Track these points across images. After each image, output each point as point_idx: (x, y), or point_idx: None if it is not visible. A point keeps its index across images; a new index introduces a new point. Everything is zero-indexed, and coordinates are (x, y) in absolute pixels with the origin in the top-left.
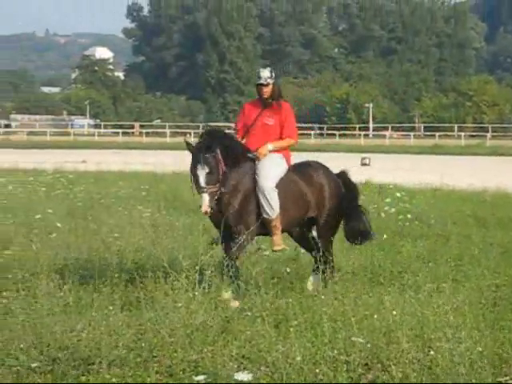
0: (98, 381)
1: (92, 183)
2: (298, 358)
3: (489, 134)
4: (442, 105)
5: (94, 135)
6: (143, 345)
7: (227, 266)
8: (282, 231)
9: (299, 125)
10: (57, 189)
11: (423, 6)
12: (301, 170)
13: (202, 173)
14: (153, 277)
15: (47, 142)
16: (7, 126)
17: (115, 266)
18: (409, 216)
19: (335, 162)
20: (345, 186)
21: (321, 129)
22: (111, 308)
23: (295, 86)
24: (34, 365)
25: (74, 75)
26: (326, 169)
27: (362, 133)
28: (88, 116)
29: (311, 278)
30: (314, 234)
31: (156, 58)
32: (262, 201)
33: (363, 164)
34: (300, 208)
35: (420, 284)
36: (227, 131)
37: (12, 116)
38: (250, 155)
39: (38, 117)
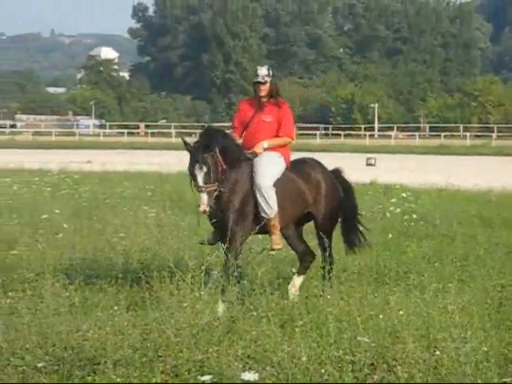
0: (104, 381)
1: (97, 183)
2: (304, 358)
3: (494, 134)
4: (447, 105)
5: (99, 135)
6: (149, 345)
7: (229, 267)
8: (280, 230)
9: (304, 125)
10: (62, 189)
11: (428, 6)
12: (297, 168)
13: (200, 172)
14: (158, 277)
15: (52, 143)
16: (13, 126)
17: (121, 266)
18: (414, 216)
19: (340, 163)
20: (339, 183)
21: (326, 129)
22: (117, 308)
23: (300, 86)
24: (39, 365)
25: (79, 75)
26: (321, 166)
27: (368, 133)
28: (93, 116)
29: (295, 279)
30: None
31: (161, 58)
32: (260, 200)
33: (368, 164)
34: (298, 206)
35: (425, 284)
36: (226, 131)
37: (17, 116)
38: (247, 155)
39: (43, 117)
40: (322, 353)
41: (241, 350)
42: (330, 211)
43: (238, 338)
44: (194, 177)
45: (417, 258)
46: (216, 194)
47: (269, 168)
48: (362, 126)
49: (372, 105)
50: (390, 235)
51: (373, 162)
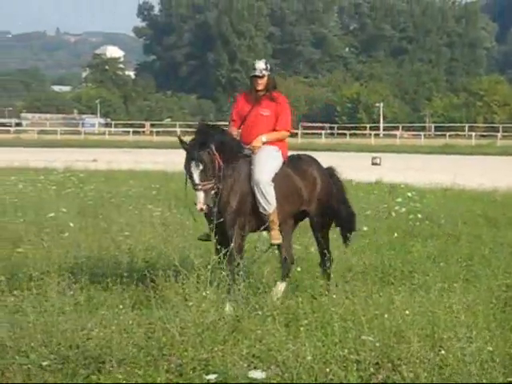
0: (108, 380)
1: (102, 182)
2: (309, 358)
3: (499, 134)
4: (452, 104)
5: (104, 134)
6: (153, 344)
7: (233, 267)
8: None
9: (310, 124)
10: (67, 187)
11: (434, 5)
12: (294, 164)
13: (196, 170)
14: (163, 275)
15: (58, 141)
16: (18, 124)
17: (126, 264)
18: (419, 216)
19: (346, 162)
20: (332, 182)
21: (331, 128)
22: (122, 307)
23: (306, 85)
24: (44, 363)
25: (84, 74)
26: (317, 162)
27: (373, 132)
28: (99, 115)
29: (279, 284)
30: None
31: (167, 57)
32: (258, 195)
33: (374, 163)
34: (295, 202)
35: (430, 284)
36: (222, 127)
37: (23, 115)
38: (245, 151)
39: (48, 115)
40: (327, 352)
41: (246, 349)
42: (325, 208)
43: (243, 337)
44: (190, 175)
45: (422, 257)
46: (213, 192)
47: (267, 163)
48: (368, 126)
49: (377, 104)
50: (396, 234)
51: (378, 162)
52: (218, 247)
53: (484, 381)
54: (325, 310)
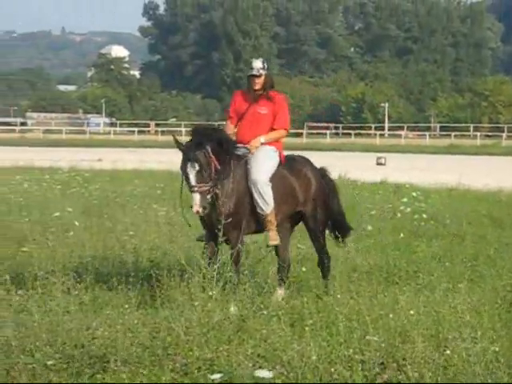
0: (113, 379)
1: (107, 181)
2: (314, 357)
3: (504, 134)
4: (457, 105)
5: (109, 134)
6: (158, 343)
7: (237, 267)
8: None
9: (315, 124)
10: (72, 187)
11: (439, 5)
12: (289, 165)
13: (193, 170)
14: (168, 275)
15: (63, 140)
16: (23, 124)
17: (131, 264)
18: (424, 216)
19: (351, 162)
20: (325, 183)
21: (336, 128)
22: (127, 306)
23: (311, 85)
24: (49, 362)
25: (89, 73)
26: (311, 163)
27: (378, 132)
28: (104, 114)
29: (278, 291)
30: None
31: (172, 56)
32: (256, 196)
33: (379, 163)
34: (291, 202)
35: (435, 284)
36: (217, 127)
37: (28, 114)
38: (241, 150)
39: (53, 115)
40: (332, 352)
41: (251, 348)
42: (319, 209)
43: (248, 336)
44: (186, 176)
45: (427, 257)
46: (210, 195)
47: (264, 163)
48: (373, 126)
49: (382, 104)
50: (402, 234)
51: (383, 162)
52: (208, 247)
53: (489, 381)
54: (330, 310)
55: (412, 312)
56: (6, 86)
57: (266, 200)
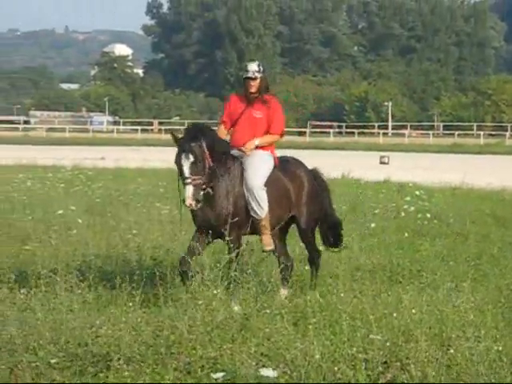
0: (116, 378)
1: (111, 180)
2: (317, 356)
3: (508, 133)
4: (461, 104)
5: (112, 132)
6: (162, 342)
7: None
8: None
9: (318, 123)
10: (75, 185)
11: (443, 4)
12: (282, 167)
13: (187, 161)
14: (172, 274)
15: (66, 139)
16: (26, 122)
17: (134, 262)
18: (428, 215)
19: (354, 161)
20: (317, 184)
21: (340, 127)
22: (130, 305)
23: (314, 84)
24: (52, 361)
25: (93, 72)
26: (303, 165)
27: (381, 131)
28: (107, 113)
29: (281, 290)
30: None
31: (175, 55)
32: (251, 200)
33: (382, 162)
34: (285, 206)
35: (439, 283)
36: (212, 128)
37: (31, 112)
38: (235, 153)
39: (57, 113)
40: (336, 351)
41: (254, 347)
42: (311, 210)
43: (251, 335)
44: (180, 167)
45: (430, 256)
46: (204, 192)
47: (260, 168)
48: (376, 125)
49: (386, 103)
50: (406, 234)
51: (386, 161)
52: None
53: (492, 380)
54: (333, 309)
55: (415, 311)
56: (9, 84)
57: (260, 204)
